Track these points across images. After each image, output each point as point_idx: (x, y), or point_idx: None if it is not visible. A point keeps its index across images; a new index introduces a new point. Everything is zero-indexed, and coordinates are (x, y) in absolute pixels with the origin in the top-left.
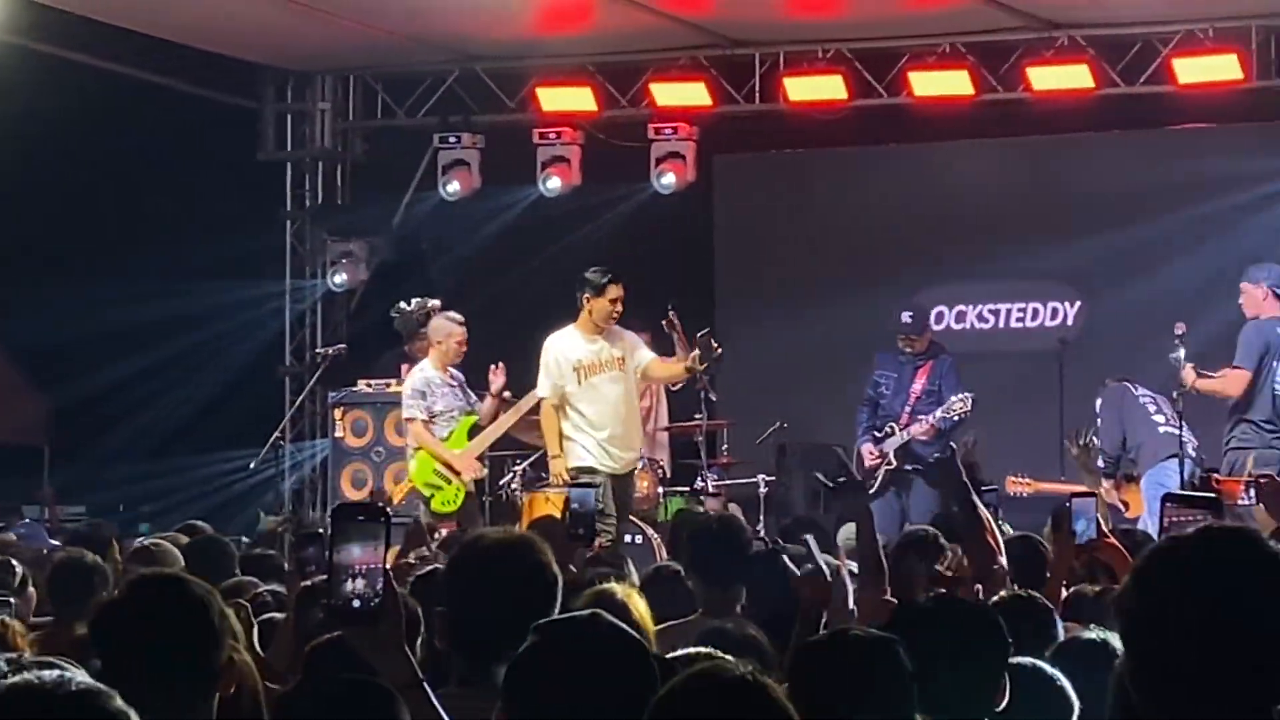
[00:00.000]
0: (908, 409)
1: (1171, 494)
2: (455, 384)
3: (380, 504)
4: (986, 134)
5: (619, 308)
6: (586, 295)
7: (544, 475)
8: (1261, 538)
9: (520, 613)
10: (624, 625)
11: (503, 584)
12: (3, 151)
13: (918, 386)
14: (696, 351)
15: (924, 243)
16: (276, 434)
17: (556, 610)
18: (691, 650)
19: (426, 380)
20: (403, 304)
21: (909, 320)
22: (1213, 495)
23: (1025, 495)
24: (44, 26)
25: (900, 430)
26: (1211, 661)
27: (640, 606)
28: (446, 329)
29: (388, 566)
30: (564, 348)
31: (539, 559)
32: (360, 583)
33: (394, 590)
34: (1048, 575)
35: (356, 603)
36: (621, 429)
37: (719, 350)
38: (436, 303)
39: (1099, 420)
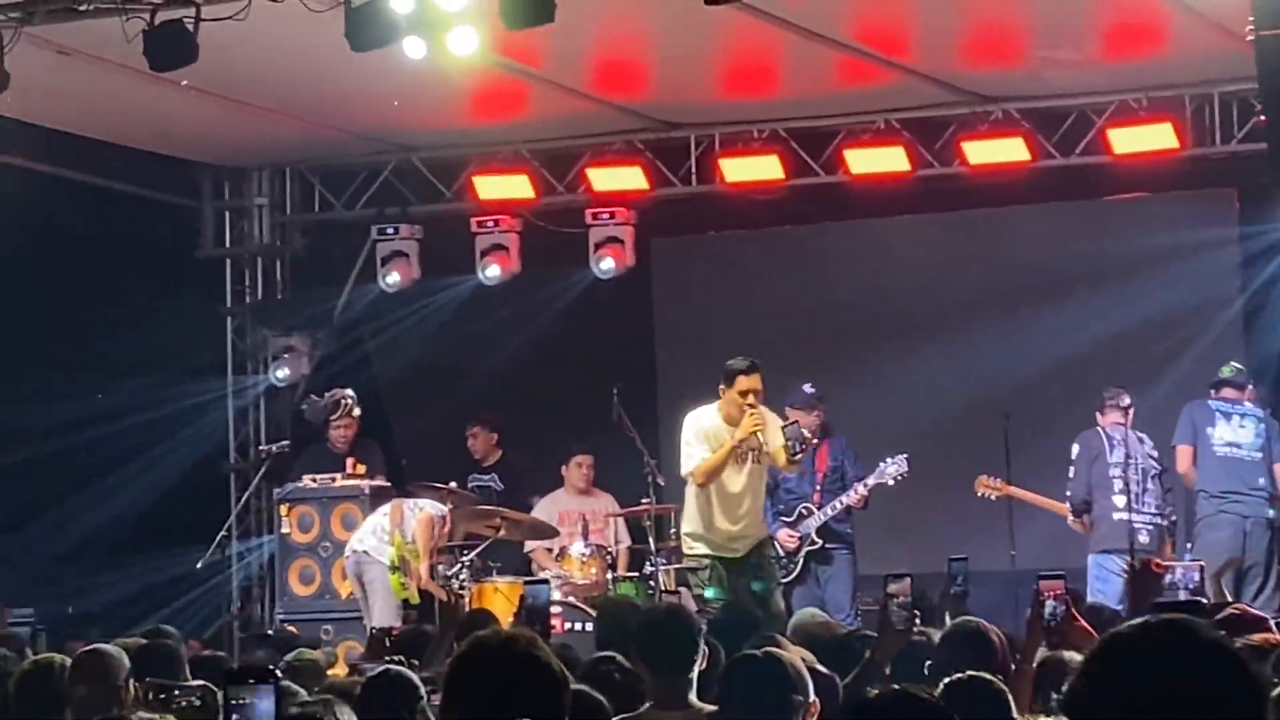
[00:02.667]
0: (817, 488)
1: (1043, 574)
2: None
3: (270, 666)
4: (924, 209)
5: (749, 400)
6: (722, 385)
7: (490, 564)
8: (1198, 626)
9: (527, 713)
10: None
11: (508, 685)
12: None
13: (823, 466)
14: (785, 443)
15: (864, 319)
16: (223, 532)
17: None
18: None
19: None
20: (313, 395)
21: (812, 390)
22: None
23: (993, 499)
24: None
25: (818, 510)
26: None
27: None
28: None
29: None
30: (707, 425)
31: (541, 658)
32: None
33: None
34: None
35: None
36: (747, 520)
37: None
38: (349, 393)
39: (1071, 469)
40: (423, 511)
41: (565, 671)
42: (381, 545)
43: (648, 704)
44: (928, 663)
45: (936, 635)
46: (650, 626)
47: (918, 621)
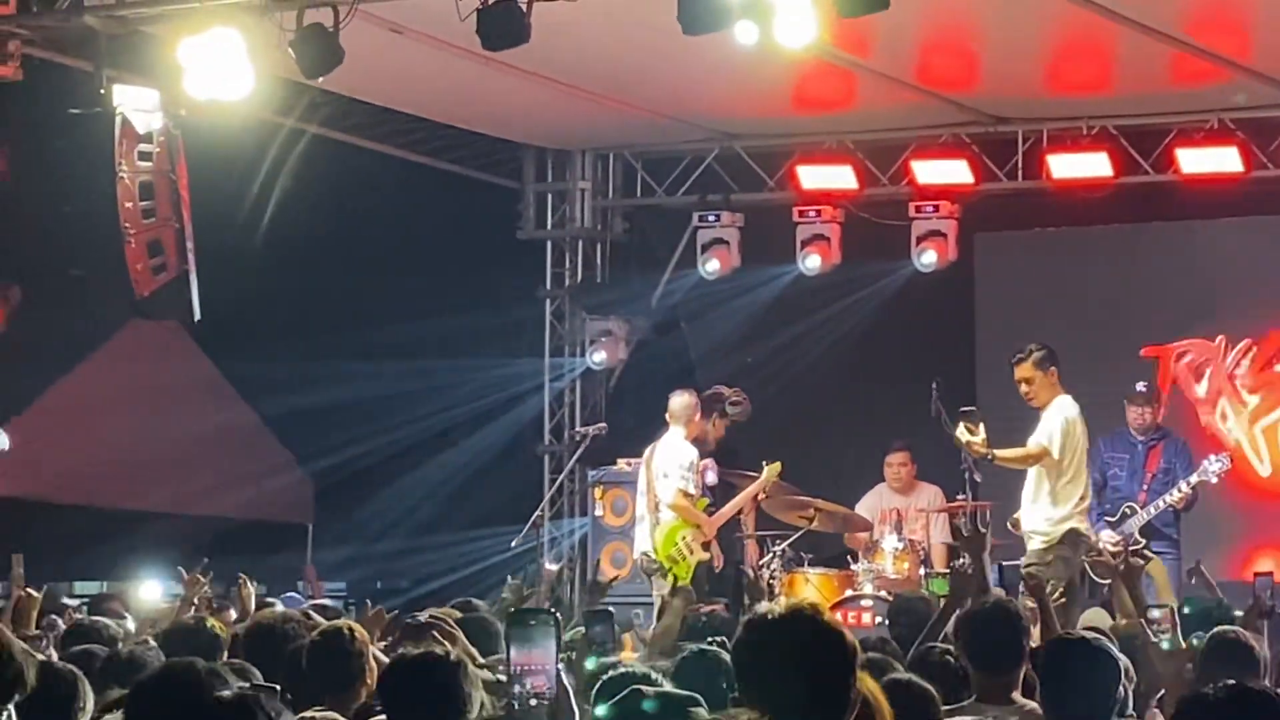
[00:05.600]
0: (1144, 489)
1: None
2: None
3: (549, 608)
4: (1255, 211)
5: (1020, 388)
6: None
7: (803, 555)
8: None
9: (818, 684)
10: None
11: (796, 655)
12: (268, 229)
13: (1153, 467)
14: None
15: (1191, 322)
16: (538, 513)
17: (855, 681)
18: None
19: (692, 459)
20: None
21: (1144, 389)
22: None
23: None
24: (311, 107)
25: (1141, 509)
26: None
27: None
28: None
29: (559, 666)
30: None
31: (829, 626)
32: (537, 681)
33: (566, 688)
34: None
35: (534, 701)
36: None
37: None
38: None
39: None
40: (670, 486)
41: (853, 639)
42: (649, 540)
43: (973, 698)
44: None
45: None
46: (974, 622)
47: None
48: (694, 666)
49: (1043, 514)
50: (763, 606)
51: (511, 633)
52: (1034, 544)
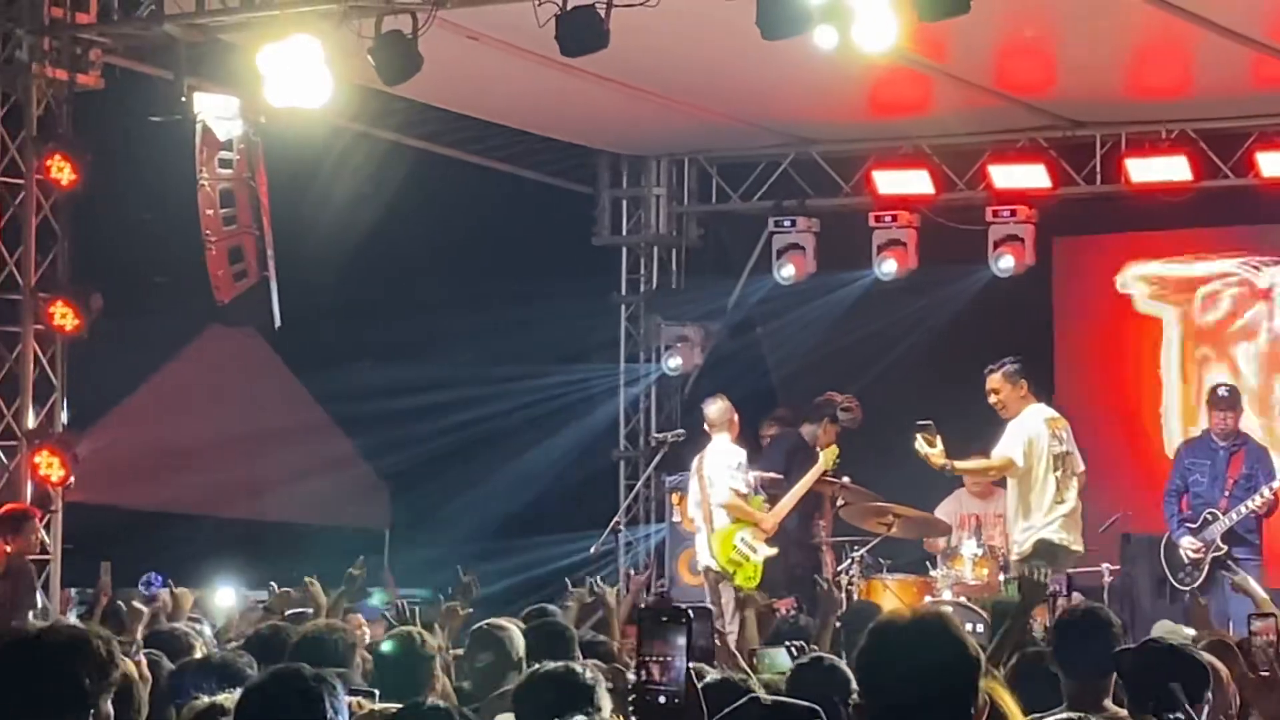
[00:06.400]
0: (1226, 495)
1: None
2: None
3: (682, 605)
4: None
5: (989, 399)
6: None
7: (881, 561)
8: None
9: (943, 692)
10: None
11: (921, 664)
12: (343, 234)
13: (1234, 472)
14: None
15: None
16: (616, 518)
17: (979, 689)
18: None
19: (740, 459)
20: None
21: (1225, 394)
22: None
23: None
24: (384, 113)
25: (1223, 515)
26: None
27: None
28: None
29: (690, 665)
30: None
31: (955, 634)
32: (665, 679)
33: (695, 687)
34: None
35: (662, 698)
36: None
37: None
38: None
39: None
40: (720, 489)
41: (977, 647)
42: (708, 553)
43: (1063, 705)
44: None
45: None
46: (1066, 629)
47: None
48: (809, 675)
49: (1018, 525)
50: (887, 614)
51: (642, 629)
52: (1013, 555)
